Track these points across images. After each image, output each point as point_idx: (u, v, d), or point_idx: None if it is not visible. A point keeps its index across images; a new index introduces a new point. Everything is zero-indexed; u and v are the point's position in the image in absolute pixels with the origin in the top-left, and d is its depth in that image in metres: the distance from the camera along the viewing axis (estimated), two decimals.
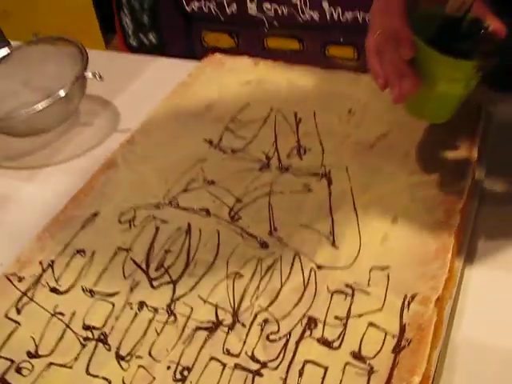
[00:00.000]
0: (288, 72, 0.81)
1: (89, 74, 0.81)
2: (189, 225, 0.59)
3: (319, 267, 0.54)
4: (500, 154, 0.66)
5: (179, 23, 2.34)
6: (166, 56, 2.21)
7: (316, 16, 2.06)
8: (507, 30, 0.56)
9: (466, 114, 0.66)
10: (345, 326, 0.49)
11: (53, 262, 0.58)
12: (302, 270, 0.53)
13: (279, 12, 1.98)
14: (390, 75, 0.56)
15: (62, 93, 0.78)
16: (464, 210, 0.57)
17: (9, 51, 0.91)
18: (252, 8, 2.13)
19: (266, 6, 1.98)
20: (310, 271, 0.53)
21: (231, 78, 0.81)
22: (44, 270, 0.57)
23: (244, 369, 0.47)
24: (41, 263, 0.58)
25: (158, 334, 0.51)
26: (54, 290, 0.55)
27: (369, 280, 0.52)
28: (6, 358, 0.50)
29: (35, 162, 0.79)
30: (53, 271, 0.57)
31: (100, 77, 0.81)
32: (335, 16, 2.02)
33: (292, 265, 0.54)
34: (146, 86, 0.91)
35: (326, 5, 2.03)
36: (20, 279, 0.57)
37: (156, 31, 2.41)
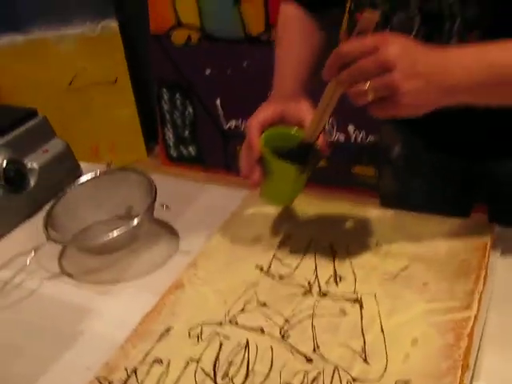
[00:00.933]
0: (323, 205, 0.97)
1: (158, 205, 0.97)
2: (247, 341, 0.72)
3: (354, 380, 0.66)
4: (504, 287, 0.79)
5: (217, 139, 2.56)
6: (204, 167, 2.40)
7: (342, 138, 2.25)
8: None
9: (474, 250, 0.81)
10: None
11: (136, 369, 0.71)
12: (341, 381, 0.66)
13: None
14: (246, 170, 0.85)
15: (134, 222, 0.93)
16: (471, 334, 0.69)
17: (88, 177, 1.07)
18: None
19: None
20: (347, 383, 0.66)
21: (274, 210, 0.97)
22: (129, 376, 0.70)
23: None
24: (126, 369, 0.71)
25: None
26: None
27: None
28: None
29: (109, 278, 0.94)
30: (136, 378, 0.70)
31: (167, 207, 0.97)
32: (359, 138, 2.21)
33: (332, 377, 0.67)
34: (201, 212, 1.07)
35: (351, 128, 2.23)
36: (109, 383, 0.70)
37: (196, 145, 2.63)
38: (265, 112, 0.87)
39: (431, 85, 0.69)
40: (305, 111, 0.87)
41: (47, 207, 1.11)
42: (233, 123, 2.51)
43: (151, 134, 2.76)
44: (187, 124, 2.61)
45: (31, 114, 1.21)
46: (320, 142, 0.83)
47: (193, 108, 2.55)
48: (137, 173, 1.05)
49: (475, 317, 0.72)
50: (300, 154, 0.83)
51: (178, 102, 2.57)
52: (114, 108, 2.61)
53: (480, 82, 0.71)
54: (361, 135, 2.20)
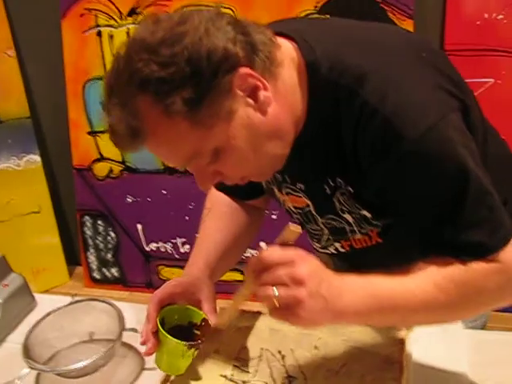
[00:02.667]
0: (267, 319, 1.16)
1: (128, 331, 1.11)
2: None
3: None
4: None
5: (139, 260, 2.71)
6: (126, 287, 2.55)
7: (255, 253, 2.46)
8: None
9: (395, 345, 1.03)
10: None
11: None
12: None
13: None
14: (143, 339, 1.02)
15: (114, 345, 1.07)
16: None
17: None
18: None
19: None
20: None
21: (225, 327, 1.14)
22: None
23: None
24: None
25: None
26: None
27: None
28: None
29: None
30: None
31: (136, 331, 1.12)
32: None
33: None
34: None
35: (263, 244, 2.46)
36: None
37: (118, 266, 2.76)
38: (165, 291, 1.06)
39: (327, 306, 0.80)
40: (204, 295, 1.06)
41: (11, 338, 1.24)
42: (153, 245, 2.68)
43: (73, 258, 2.87)
44: (110, 248, 2.74)
45: None
46: (211, 321, 1.02)
47: (115, 233, 2.70)
48: (104, 302, 1.19)
49: None
50: (194, 330, 1.04)
51: (101, 228, 2.71)
52: (38, 236, 2.72)
53: (364, 311, 0.83)
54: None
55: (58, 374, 1.09)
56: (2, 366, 1.16)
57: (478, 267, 0.85)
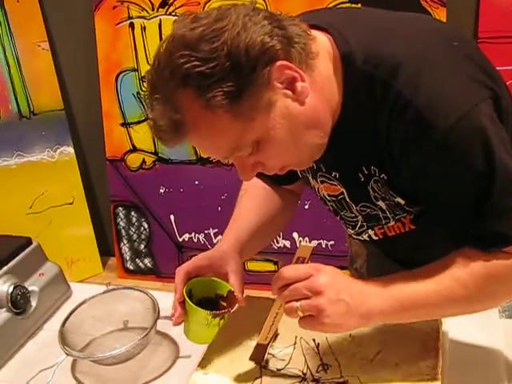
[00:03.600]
0: None
1: (162, 319, 1.12)
2: None
3: None
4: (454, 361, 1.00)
5: (172, 251, 2.73)
6: (159, 278, 2.55)
7: (288, 244, 2.48)
8: None
9: (429, 333, 1.02)
10: None
11: None
12: None
13: None
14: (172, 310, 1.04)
15: (149, 334, 1.08)
16: None
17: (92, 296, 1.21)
18: None
19: None
20: None
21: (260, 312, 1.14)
22: None
23: None
24: None
25: None
26: None
27: None
28: None
29: None
30: None
31: (171, 319, 1.12)
32: (303, 243, 2.44)
33: None
34: None
35: (295, 235, 2.46)
36: None
37: (151, 257, 2.78)
38: (192, 263, 1.07)
39: (351, 310, 0.87)
40: (230, 268, 1.06)
41: (48, 326, 1.26)
42: (186, 236, 2.69)
43: (107, 248, 2.91)
44: (143, 239, 2.77)
45: (26, 242, 1.35)
46: (237, 291, 1.04)
47: (148, 224, 2.73)
48: (138, 290, 1.20)
49: None
50: (220, 301, 1.06)
51: (134, 219, 2.74)
52: (72, 227, 2.75)
53: (389, 310, 0.89)
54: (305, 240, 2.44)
55: (94, 361, 1.10)
56: (39, 352, 1.18)
57: (500, 260, 0.87)
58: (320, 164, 1.03)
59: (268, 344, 1.01)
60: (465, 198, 0.87)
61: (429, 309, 0.91)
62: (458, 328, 1.08)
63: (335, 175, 1.02)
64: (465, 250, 0.89)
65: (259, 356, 1.02)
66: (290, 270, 0.89)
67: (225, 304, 1.06)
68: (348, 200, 1.03)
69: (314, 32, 0.90)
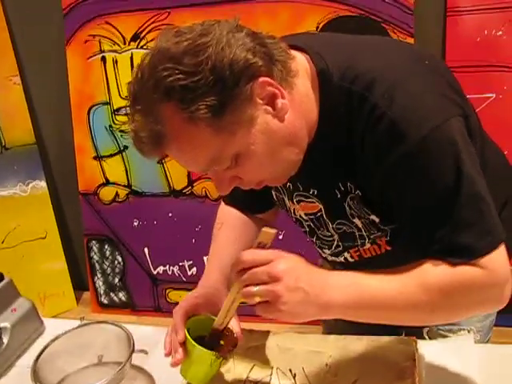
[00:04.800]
0: (276, 338, 1.15)
1: (138, 352, 1.11)
2: None
3: None
4: None
5: (146, 284, 2.70)
6: (134, 311, 2.51)
7: None
8: None
9: (406, 360, 1.02)
10: None
11: None
12: None
13: None
14: (169, 349, 1.00)
15: (124, 368, 1.06)
16: None
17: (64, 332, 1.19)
18: None
19: None
20: None
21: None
22: None
23: None
24: None
25: None
26: None
27: None
28: None
29: None
30: None
31: (146, 353, 1.11)
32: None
33: None
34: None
35: None
36: None
37: (126, 291, 2.75)
38: (189, 302, 1.06)
39: (309, 299, 0.85)
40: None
41: (21, 362, 1.24)
42: (161, 269, 2.68)
43: (81, 283, 2.87)
44: (117, 272, 2.74)
45: None
46: (236, 329, 1.02)
47: (122, 257, 2.70)
48: (112, 324, 1.19)
49: None
50: (213, 339, 1.01)
51: (108, 252, 2.71)
52: (45, 261, 2.72)
53: (350, 304, 0.88)
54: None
55: None
56: None
57: (463, 271, 0.88)
58: (297, 183, 1.04)
59: (223, 329, 1.00)
60: (431, 209, 0.88)
61: (389, 311, 0.90)
62: (433, 354, 1.09)
63: (313, 192, 1.04)
64: (434, 259, 0.89)
65: (214, 341, 1.01)
66: (249, 254, 0.87)
67: (222, 342, 1.03)
68: (325, 217, 1.05)
69: (293, 52, 0.92)
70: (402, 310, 0.90)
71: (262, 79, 0.84)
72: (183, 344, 0.99)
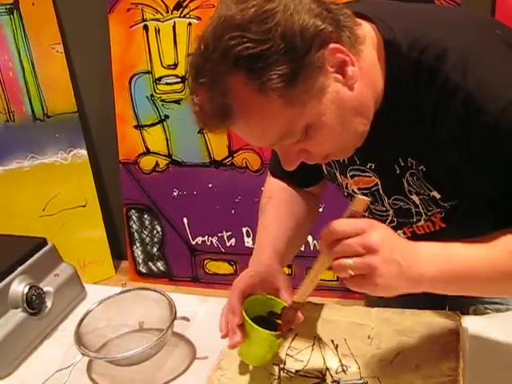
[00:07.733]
0: (319, 309, 1.14)
1: (180, 319, 1.11)
2: None
3: None
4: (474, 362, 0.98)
5: (184, 254, 2.72)
6: (171, 281, 2.52)
7: (302, 247, 2.45)
8: None
9: (450, 334, 1.00)
10: None
11: None
12: None
13: None
14: (228, 331, 0.96)
15: (165, 335, 1.06)
16: None
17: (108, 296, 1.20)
18: (249, 241, 2.54)
19: None
20: None
21: None
22: None
23: None
24: None
25: None
26: None
27: None
28: None
29: None
30: None
31: (188, 320, 1.11)
32: (318, 246, 2.42)
33: None
34: (206, 320, 1.20)
35: (310, 238, 2.45)
36: None
37: (164, 260, 2.78)
38: (245, 282, 1.01)
39: (403, 272, 0.79)
40: (281, 283, 1.01)
41: (63, 326, 1.25)
42: (199, 239, 2.69)
43: (119, 252, 2.90)
44: (156, 242, 2.76)
45: (42, 243, 1.35)
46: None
47: (161, 227, 2.72)
48: (154, 291, 1.19)
49: None
50: (274, 319, 0.98)
51: (147, 222, 2.73)
52: (84, 229, 2.75)
53: (442, 276, 0.83)
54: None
55: (110, 362, 1.09)
56: (55, 353, 1.17)
57: None
58: (354, 156, 1.00)
59: (303, 303, 0.95)
60: (509, 180, 0.85)
61: (481, 282, 0.86)
62: (478, 328, 1.06)
63: (371, 166, 1.01)
64: None
65: (290, 315, 0.96)
66: (342, 224, 0.80)
67: (279, 321, 1.00)
68: (381, 192, 1.02)
69: (358, 19, 0.89)
70: (493, 280, 0.85)
71: (332, 46, 0.81)
72: (241, 325, 0.96)
